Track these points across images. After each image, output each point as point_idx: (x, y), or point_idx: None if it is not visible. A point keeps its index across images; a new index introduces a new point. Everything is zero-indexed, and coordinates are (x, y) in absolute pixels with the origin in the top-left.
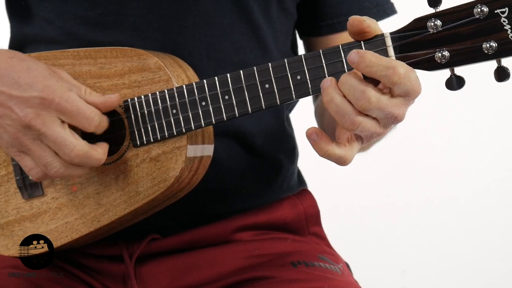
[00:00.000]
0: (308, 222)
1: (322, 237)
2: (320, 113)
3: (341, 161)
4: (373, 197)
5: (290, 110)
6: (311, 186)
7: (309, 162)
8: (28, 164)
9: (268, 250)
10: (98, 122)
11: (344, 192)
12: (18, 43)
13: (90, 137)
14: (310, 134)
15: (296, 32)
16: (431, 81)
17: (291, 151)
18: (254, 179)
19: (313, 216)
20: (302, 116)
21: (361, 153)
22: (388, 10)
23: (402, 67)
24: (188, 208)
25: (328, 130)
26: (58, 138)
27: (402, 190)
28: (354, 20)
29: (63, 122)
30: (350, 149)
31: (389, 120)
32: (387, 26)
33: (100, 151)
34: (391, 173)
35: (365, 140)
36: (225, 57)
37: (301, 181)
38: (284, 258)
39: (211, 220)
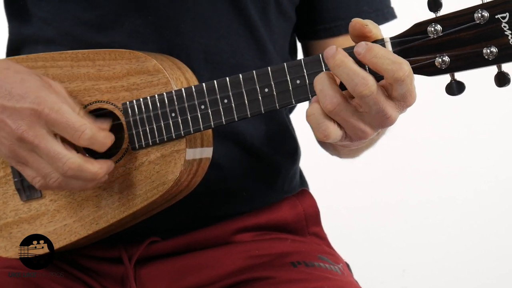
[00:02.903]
0: (307, 222)
1: (322, 237)
2: None
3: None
4: (373, 197)
5: (290, 111)
6: (312, 186)
7: (310, 162)
8: (30, 173)
9: (268, 250)
10: (89, 136)
11: (344, 192)
12: (16, 43)
13: (95, 152)
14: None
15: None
16: (431, 84)
17: (293, 153)
18: (255, 182)
19: (313, 216)
20: (303, 117)
21: (350, 159)
22: (387, 15)
23: (407, 65)
24: (188, 210)
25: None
26: (51, 152)
27: (402, 190)
28: (356, 23)
29: (55, 134)
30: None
31: (380, 119)
32: (388, 30)
33: (96, 165)
34: (391, 173)
35: (347, 139)
36: (222, 59)
37: (303, 181)
38: (284, 258)
39: (211, 223)
